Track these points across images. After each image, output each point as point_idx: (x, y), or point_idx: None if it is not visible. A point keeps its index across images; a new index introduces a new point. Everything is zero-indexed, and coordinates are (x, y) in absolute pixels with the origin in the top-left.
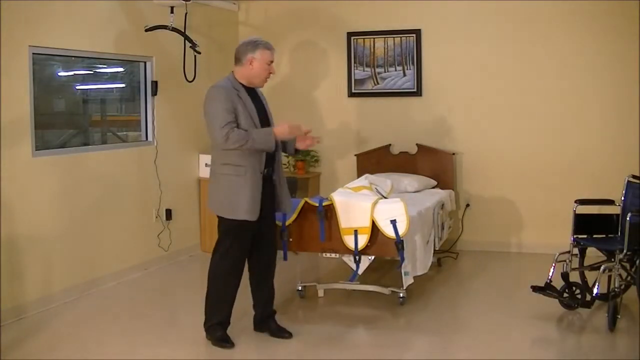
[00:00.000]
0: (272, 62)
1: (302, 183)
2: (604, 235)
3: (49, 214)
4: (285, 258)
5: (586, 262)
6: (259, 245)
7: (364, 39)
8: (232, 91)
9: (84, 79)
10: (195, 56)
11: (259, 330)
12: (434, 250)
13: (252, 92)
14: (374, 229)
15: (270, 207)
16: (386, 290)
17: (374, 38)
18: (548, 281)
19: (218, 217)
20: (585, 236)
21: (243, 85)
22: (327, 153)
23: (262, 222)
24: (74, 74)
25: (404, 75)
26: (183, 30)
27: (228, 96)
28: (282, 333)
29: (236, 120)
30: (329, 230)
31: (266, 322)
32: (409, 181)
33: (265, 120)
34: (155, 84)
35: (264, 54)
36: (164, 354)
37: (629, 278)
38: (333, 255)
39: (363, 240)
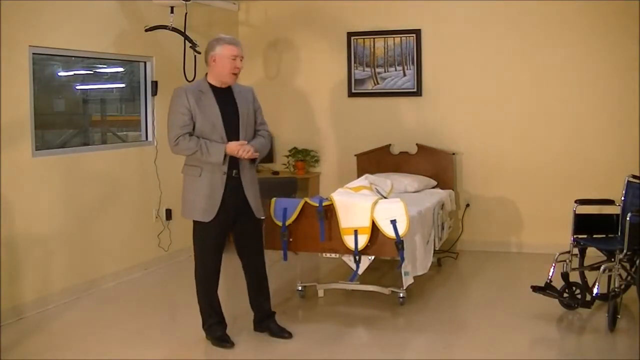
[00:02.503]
0: (235, 57)
1: (302, 183)
2: (604, 235)
3: (49, 214)
4: (285, 258)
5: (586, 262)
6: (243, 247)
7: (364, 39)
8: (194, 93)
9: (84, 79)
10: (195, 56)
11: (259, 331)
12: (434, 250)
13: (225, 93)
14: (374, 229)
15: (244, 207)
16: (386, 290)
17: (374, 38)
18: (548, 281)
19: None
20: (585, 236)
21: (213, 86)
22: (327, 153)
23: (239, 223)
24: (74, 74)
25: (404, 75)
26: (183, 30)
27: (186, 98)
28: (282, 333)
29: (193, 122)
30: (329, 230)
31: (266, 322)
32: (409, 181)
33: (233, 123)
34: (155, 84)
35: (225, 49)
36: (164, 354)
37: (629, 278)
38: (333, 255)
39: (363, 240)
